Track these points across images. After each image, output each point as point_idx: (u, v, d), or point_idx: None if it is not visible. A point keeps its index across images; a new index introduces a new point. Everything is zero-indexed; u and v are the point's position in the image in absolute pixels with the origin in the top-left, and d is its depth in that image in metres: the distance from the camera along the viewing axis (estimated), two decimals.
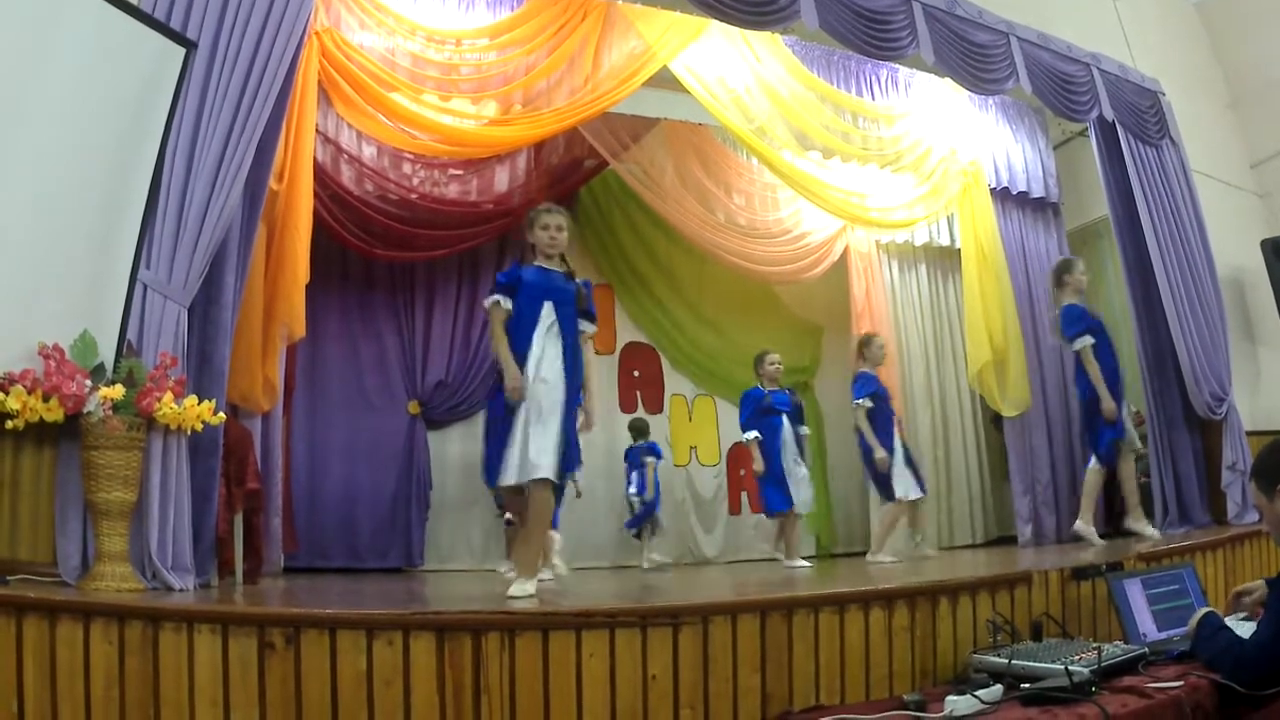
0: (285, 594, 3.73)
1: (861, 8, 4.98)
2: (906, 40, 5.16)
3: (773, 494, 5.67)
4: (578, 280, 3.67)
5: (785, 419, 5.74)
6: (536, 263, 3.66)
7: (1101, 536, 5.51)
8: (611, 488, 6.59)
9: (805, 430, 5.91)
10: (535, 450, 3.32)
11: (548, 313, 3.52)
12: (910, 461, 5.80)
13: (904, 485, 5.67)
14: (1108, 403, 5.23)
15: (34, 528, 3.00)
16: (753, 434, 5.75)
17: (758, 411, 5.78)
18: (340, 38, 4.82)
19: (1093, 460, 5.47)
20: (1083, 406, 5.55)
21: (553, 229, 3.65)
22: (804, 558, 5.75)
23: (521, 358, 3.45)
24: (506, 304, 3.54)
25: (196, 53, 3.40)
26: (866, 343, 5.98)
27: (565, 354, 3.50)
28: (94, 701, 2.31)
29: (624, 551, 6.51)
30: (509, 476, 3.38)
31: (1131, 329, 6.08)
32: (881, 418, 5.74)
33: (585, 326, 3.67)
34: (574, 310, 3.61)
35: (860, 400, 5.74)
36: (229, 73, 3.48)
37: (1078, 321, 5.41)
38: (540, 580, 3.92)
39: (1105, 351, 5.42)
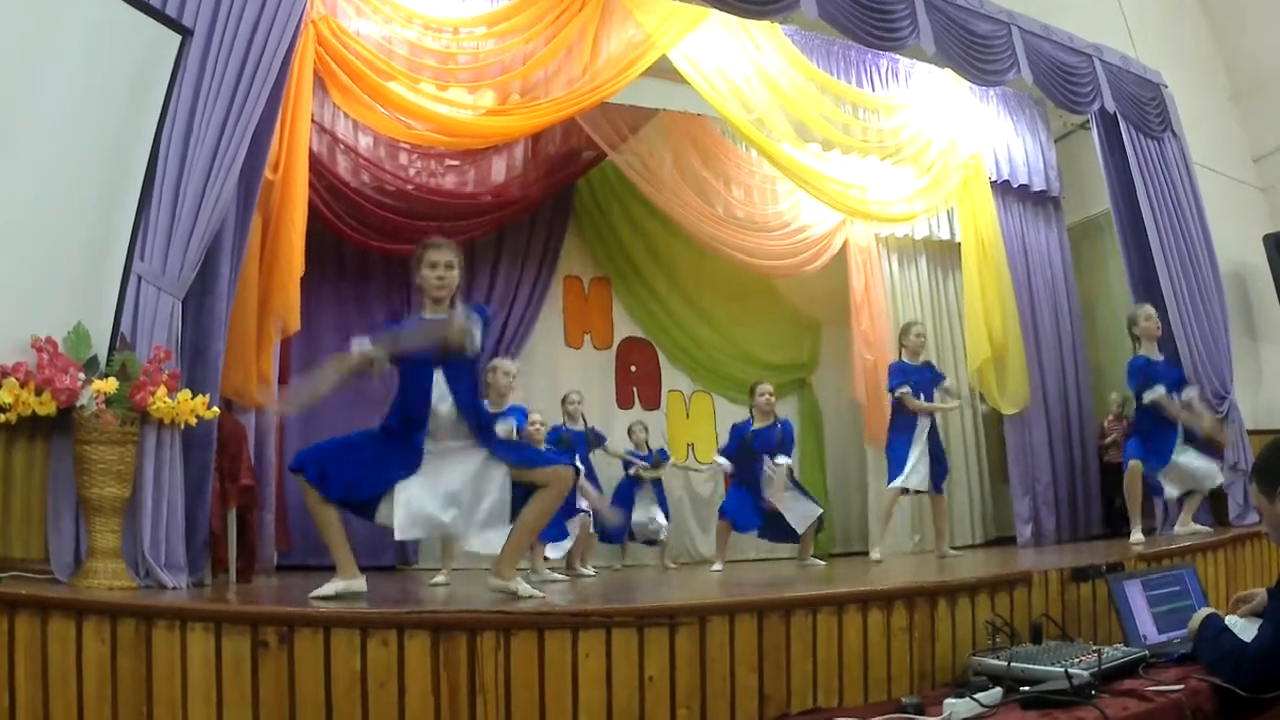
0: (279, 592, 3.72)
1: None
2: (907, 30, 5.12)
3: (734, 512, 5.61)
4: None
5: (766, 459, 5.52)
6: (424, 312, 3.12)
7: (1101, 537, 5.47)
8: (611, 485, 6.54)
9: (784, 461, 5.54)
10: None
11: (439, 383, 3.01)
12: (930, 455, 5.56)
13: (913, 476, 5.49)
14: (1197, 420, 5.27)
15: (26, 523, 2.97)
16: (724, 463, 5.72)
17: (741, 447, 5.62)
18: (337, 25, 4.78)
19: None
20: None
21: (441, 267, 3.06)
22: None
23: (420, 422, 3.01)
24: (377, 355, 2.98)
25: (192, 40, 3.35)
26: (905, 331, 5.84)
27: (468, 423, 3.05)
28: (86, 700, 2.29)
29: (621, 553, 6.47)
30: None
31: None
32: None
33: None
34: (471, 377, 3.11)
35: (893, 391, 5.60)
36: (224, 61, 3.44)
37: (1137, 374, 5.36)
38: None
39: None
